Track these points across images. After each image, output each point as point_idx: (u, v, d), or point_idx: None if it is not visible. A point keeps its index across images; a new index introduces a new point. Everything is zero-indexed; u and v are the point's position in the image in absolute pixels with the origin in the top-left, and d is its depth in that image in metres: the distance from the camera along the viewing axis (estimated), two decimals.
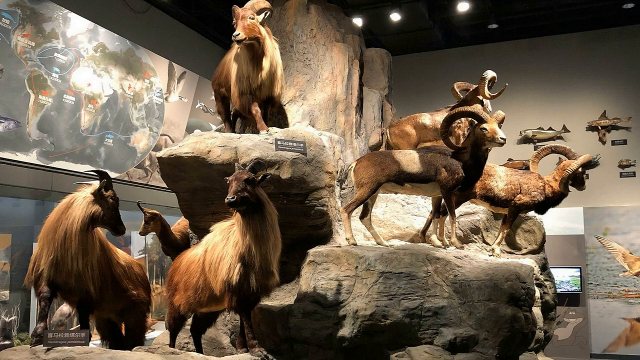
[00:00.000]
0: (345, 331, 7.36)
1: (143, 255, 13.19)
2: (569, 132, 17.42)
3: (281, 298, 8.30)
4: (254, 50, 8.55)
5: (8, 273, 10.17)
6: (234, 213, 6.68)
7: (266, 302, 7.76)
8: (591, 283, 16.11)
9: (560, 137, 17.40)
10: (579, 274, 15.93)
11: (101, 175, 7.21)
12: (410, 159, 8.29)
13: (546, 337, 9.15)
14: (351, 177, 8.44)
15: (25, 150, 10.75)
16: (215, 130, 11.04)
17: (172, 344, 7.84)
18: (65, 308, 10.59)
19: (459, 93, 10.13)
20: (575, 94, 17.72)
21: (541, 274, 9.30)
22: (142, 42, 13.86)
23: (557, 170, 8.85)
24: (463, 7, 16.20)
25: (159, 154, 8.26)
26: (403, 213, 9.69)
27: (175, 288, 7.56)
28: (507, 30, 18.33)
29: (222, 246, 6.80)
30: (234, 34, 8.18)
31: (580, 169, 8.66)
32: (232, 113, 9.79)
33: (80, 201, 7.07)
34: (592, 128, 17.33)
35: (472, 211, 9.78)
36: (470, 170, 8.23)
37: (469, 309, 7.38)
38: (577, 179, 8.74)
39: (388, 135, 10.66)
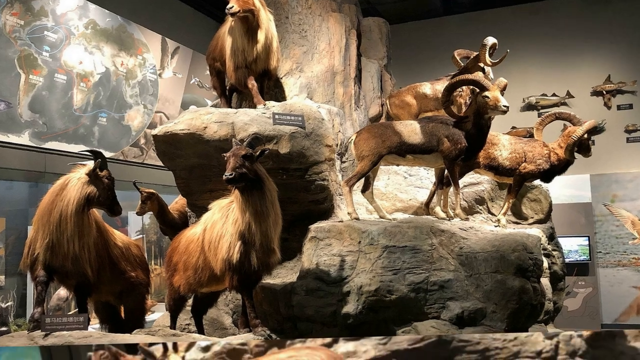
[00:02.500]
0: (350, 308, 7.36)
1: (141, 235, 13.17)
2: (573, 97, 17.32)
3: (283, 276, 8.30)
4: (249, 23, 8.49)
5: (3, 258, 10.15)
6: (232, 190, 6.65)
7: (268, 280, 7.75)
8: (600, 252, 16.04)
9: (564, 103, 17.31)
10: (587, 242, 15.84)
11: (95, 155, 7.18)
12: (411, 130, 8.26)
13: (555, 309, 9.13)
14: (351, 150, 8.43)
15: (17, 131, 10.70)
16: (211, 106, 10.98)
17: (173, 325, 7.84)
18: (62, 292, 10.57)
19: (459, 61, 10.07)
20: (578, 58, 17.60)
21: (549, 244, 9.26)
22: (134, 17, 13.75)
23: (562, 137, 8.81)
24: None
25: (154, 131, 8.21)
26: (405, 185, 9.67)
27: (174, 268, 7.54)
28: None
29: (221, 224, 6.78)
30: (228, 6, 8.11)
31: (585, 135, 8.61)
32: (227, 88, 9.76)
33: (75, 182, 7.04)
34: (596, 93, 17.23)
35: (476, 181, 9.75)
36: (473, 139, 8.20)
37: (475, 282, 7.37)
38: (582, 146, 8.70)
39: (388, 106, 10.62)
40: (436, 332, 7.08)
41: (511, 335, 5.79)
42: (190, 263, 7.18)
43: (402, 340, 5.61)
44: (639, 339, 6.23)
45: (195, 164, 8.27)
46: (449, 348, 5.77)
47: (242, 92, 9.49)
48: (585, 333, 5.81)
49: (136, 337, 6.57)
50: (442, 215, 8.55)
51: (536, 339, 5.80)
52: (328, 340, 5.75)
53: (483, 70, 9.41)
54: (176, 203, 9.72)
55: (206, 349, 7.16)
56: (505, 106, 7.89)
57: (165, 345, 5.66)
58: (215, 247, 6.75)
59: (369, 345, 5.74)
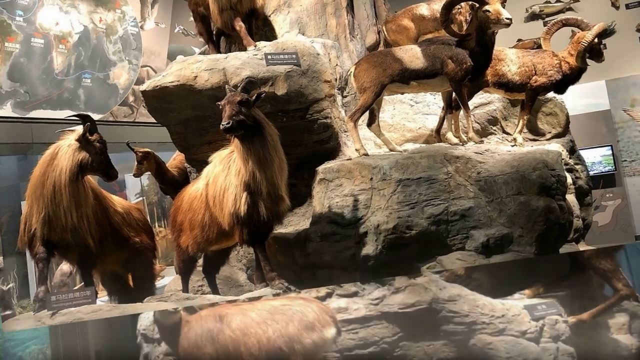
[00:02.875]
0: (369, 249, 7.31)
1: (140, 198, 13.16)
2: (579, 1, 17.08)
3: (295, 223, 8.25)
4: None
5: None
6: (231, 139, 6.59)
7: (280, 230, 7.70)
8: (625, 160, 15.83)
9: (570, 9, 17.09)
10: (610, 152, 15.60)
11: (84, 119, 7.10)
12: (412, 55, 8.16)
13: (585, 225, 9.06)
14: (352, 83, 8.33)
15: None
16: (199, 54, 10.88)
17: (186, 289, 7.83)
18: (65, 267, 10.53)
19: None
20: None
21: (570, 158, 9.19)
22: None
23: (571, 44, 8.69)
24: None
25: (143, 87, 8.16)
26: (413, 114, 9.58)
27: (180, 229, 7.51)
28: None
29: (224, 177, 6.73)
30: None
31: (596, 40, 8.50)
32: (214, 32, 9.67)
33: (65, 150, 6.97)
34: None
35: (486, 101, 9.64)
36: (478, 57, 8.09)
37: (498, 207, 7.30)
38: (594, 51, 8.59)
39: (385, 33, 10.51)
40: (463, 264, 7.04)
41: (499, 313, 6.38)
42: (196, 221, 7.15)
43: (393, 303, 6.23)
44: (622, 332, 6.58)
45: (189, 117, 8.19)
46: (438, 317, 6.32)
47: (230, 35, 9.40)
48: (571, 319, 6.49)
49: (148, 305, 6.56)
50: (455, 140, 8.47)
51: (522, 319, 6.40)
52: (322, 293, 6.22)
53: None
54: (174, 160, 9.67)
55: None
56: (507, 19, 7.78)
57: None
58: (221, 202, 6.71)
59: (360, 304, 6.29)
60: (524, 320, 6.46)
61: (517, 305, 6.67)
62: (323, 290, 6.48)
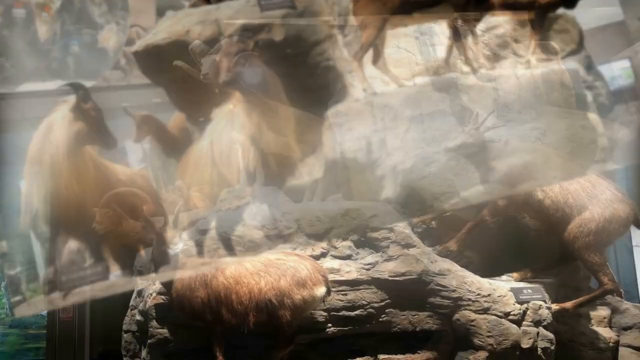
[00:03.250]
0: (389, 191, 7.26)
1: (144, 164, 13.14)
2: None
3: (308, 173, 8.19)
4: None
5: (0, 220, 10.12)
6: (232, 93, 6.53)
7: (292, 181, 7.64)
8: None
9: None
10: (629, 64, 15.49)
11: (75, 87, 7.03)
12: None
13: (610, 143, 9.04)
14: (352, 21, 8.25)
15: None
16: (189, 7, 10.83)
17: (201, 253, 7.79)
18: (72, 244, 10.54)
19: None
20: None
21: (588, 75, 9.12)
22: None
23: None
24: None
25: (134, 48, 8.20)
26: (419, 46, 9.50)
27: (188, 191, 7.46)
28: None
29: (228, 132, 6.68)
30: None
31: None
32: None
33: (60, 122, 6.91)
34: None
35: (494, 25, 9.56)
36: None
37: (518, 133, 7.24)
38: None
39: None
40: (488, 197, 7.03)
41: (485, 292, 6.83)
42: (204, 181, 7.10)
43: (384, 270, 6.72)
44: (602, 325, 7.47)
45: (185, 74, 8.10)
46: (426, 289, 6.79)
47: None
48: (555, 307, 7.01)
49: (165, 275, 6.53)
50: (466, 69, 8.39)
51: (507, 300, 6.83)
52: (317, 252, 6.70)
53: None
54: (174, 120, 9.60)
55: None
56: None
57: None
58: (228, 158, 6.68)
59: (353, 267, 6.77)
60: (509, 302, 6.77)
61: (504, 287, 7.00)
62: (318, 249, 6.64)
